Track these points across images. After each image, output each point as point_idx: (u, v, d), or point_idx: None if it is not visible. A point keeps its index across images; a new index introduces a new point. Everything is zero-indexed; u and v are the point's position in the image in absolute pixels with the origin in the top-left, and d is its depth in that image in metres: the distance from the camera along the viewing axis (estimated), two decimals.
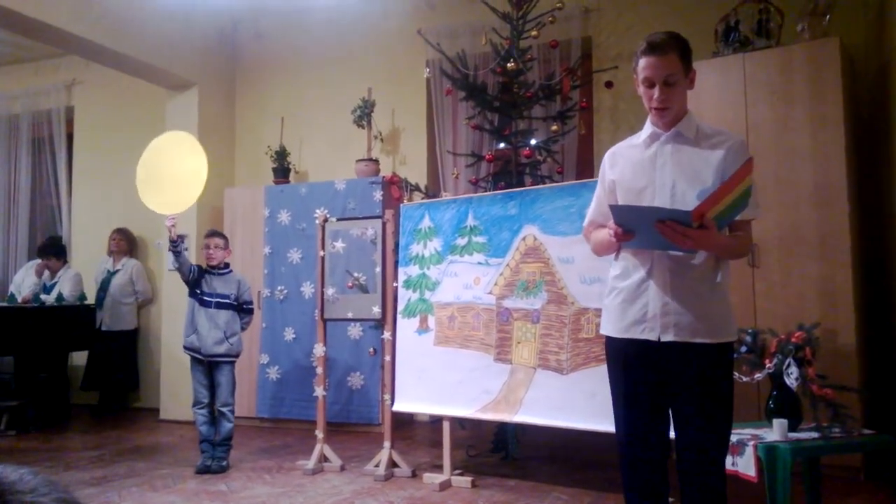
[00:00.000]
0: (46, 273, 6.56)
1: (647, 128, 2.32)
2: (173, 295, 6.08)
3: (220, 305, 4.46)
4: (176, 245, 4.31)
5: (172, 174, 4.36)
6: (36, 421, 5.76)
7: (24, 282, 6.60)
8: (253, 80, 6.79)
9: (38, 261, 6.65)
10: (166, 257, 6.09)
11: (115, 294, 6.54)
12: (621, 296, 2.29)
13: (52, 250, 6.61)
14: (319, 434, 4.40)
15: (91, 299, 6.49)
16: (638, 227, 2.12)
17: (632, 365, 2.27)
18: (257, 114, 6.72)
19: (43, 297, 6.25)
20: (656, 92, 2.20)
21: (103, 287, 6.58)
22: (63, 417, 6.14)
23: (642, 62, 2.21)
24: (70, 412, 6.31)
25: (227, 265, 4.59)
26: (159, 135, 4.67)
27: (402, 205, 4.56)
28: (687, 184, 2.20)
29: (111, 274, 6.63)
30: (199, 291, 4.47)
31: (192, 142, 4.47)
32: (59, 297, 6.20)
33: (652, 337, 2.20)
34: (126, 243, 6.76)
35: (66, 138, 7.44)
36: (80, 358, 6.77)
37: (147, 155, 4.48)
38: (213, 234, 4.62)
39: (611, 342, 2.35)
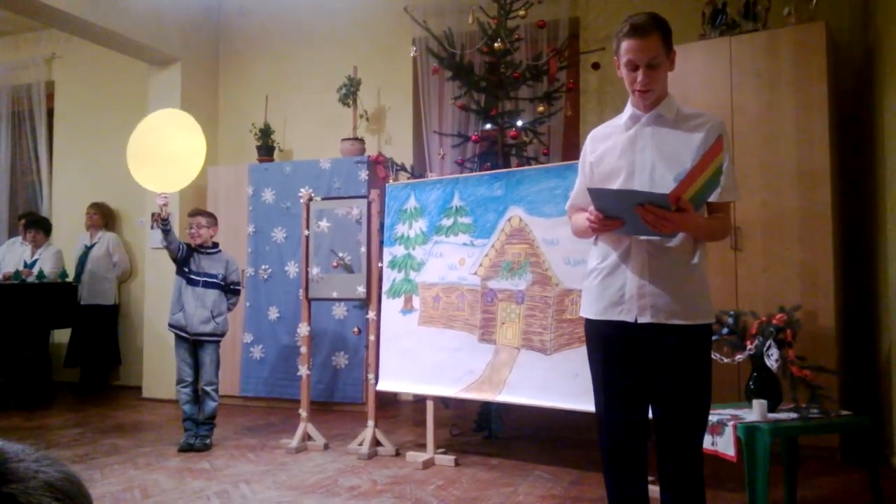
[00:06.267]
0: (28, 250, 6.48)
1: (628, 109, 2.32)
2: (156, 272, 6.05)
3: (207, 285, 4.44)
4: (165, 223, 4.27)
5: (168, 152, 4.26)
6: (17, 399, 5.72)
7: (3, 259, 6.52)
8: (237, 56, 6.71)
9: (20, 238, 6.57)
10: (150, 235, 6.06)
11: (94, 268, 6.52)
12: (599, 278, 2.30)
13: (41, 224, 6.55)
14: (303, 413, 4.41)
15: (72, 276, 6.44)
16: (617, 212, 2.11)
17: (610, 346, 2.29)
18: (241, 91, 6.64)
19: (23, 273, 6.19)
20: (640, 75, 2.19)
21: (81, 262, 6.56)
22: (45, 395, 6.09)
23: (625, 45, 2.19)
24: (52, 390, 6.28)
25: (215, 245, 4.56)
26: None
27: (387, 185, 4.54)
28: (666, 166, 2.19)
29: (88, 248, 6.62)
30: (186, 270, 4.44)
31: (191, 121, 4.34)
32: (41, 275, 6.13)
33: (629, 318, 2.21)
34: (101, 217, 6.73)
35: (47, 113, 7.33)
36: (61, 336, 6.73)
37: (141, 129, 4.35)
38: (197, 213, 4.59)
39: (589, 324, 2.36)
